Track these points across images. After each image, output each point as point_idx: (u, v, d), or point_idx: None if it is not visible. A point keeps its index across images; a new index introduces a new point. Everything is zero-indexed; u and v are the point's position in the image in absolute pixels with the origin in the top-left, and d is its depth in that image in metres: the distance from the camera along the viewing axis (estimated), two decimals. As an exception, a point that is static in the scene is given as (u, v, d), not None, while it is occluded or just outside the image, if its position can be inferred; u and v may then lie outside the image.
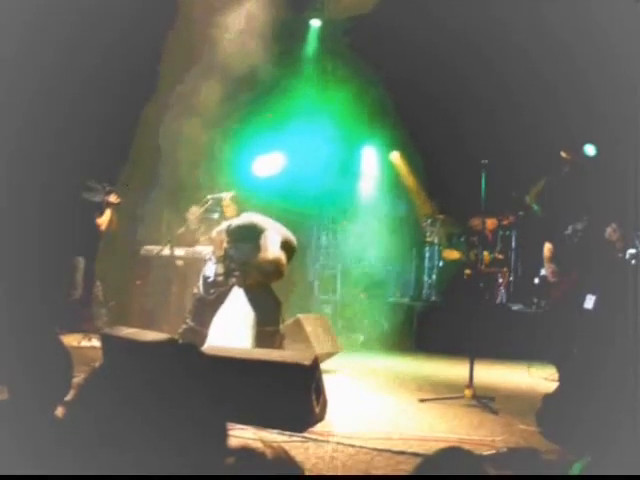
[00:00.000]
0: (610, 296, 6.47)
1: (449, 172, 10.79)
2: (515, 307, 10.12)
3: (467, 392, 5.95)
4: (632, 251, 7.16)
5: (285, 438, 4.43)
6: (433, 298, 10.89)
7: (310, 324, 7.37)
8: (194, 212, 8.81)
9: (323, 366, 5.63)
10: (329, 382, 5.43)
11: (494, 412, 5.58)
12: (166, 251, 8.18)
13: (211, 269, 6.95)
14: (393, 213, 12.33)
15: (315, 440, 4.45)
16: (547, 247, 7.41)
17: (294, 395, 4.68)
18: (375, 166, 12.64)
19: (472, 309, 8.45)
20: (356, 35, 10.19)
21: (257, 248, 6.54)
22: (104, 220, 8.54)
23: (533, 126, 10.15)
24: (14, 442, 1.84)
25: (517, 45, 9.52)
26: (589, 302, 6.66)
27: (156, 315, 8.33)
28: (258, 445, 1.49)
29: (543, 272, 8.50)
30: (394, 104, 11.06)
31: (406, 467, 3.93)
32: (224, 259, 6.84)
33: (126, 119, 8.71)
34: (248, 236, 6.66)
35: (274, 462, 1.44)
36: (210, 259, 7.06)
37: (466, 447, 1.97)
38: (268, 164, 8.91)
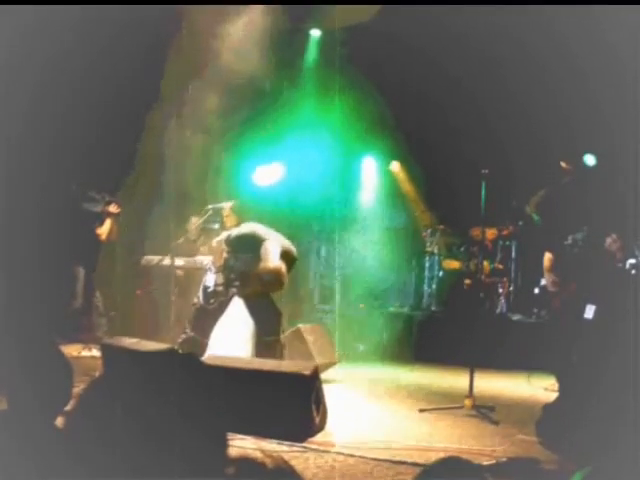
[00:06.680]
0: (610, 306, 6.46)
1: (449, 182, 10.80)
2: (515, 317, 10.09)
3: (467, 402, 5.95)
4: (632, 261, 7.17)
5: (285, 448, 4.43)
6: (433, 308, 10.86)
7: (310, 334, 7.36)
8: (194, 222, 8.81)
9: (323, 376, 5.62)
10: (329, 392, 5.42)
11: (494, 422, 5.58)
12: (166, 261, 8.18)
13: (211, 279, 6.95)
14: (393, 223, 12.34)
15: (315, 450, 4.45)
16: (547, 257, 7.41)
17: (294, 405, 4.67)
18: (375, 176, 12.63)
19: (472, 319, 8.45)
20: (356, 45, 10.21)
21: (257, 258, 6.55)
22: (104, 230, 8.54)
23: (533, 136, 10.16)
24: (14, 452, 1.84)
25: (517, 55, 9.55)
26: (589, 312, 6.65)
27: (156, 325, 8.31)
28: (258, 455, 1.49)
29: (543, 282, 8.49)
30: (393, 114, 11.07)
31: (406, 477, 3.92)
32: (224, 269, 6.84)
33: (128, 128, 8.73)
34: (248, 246, 6.67)
35: (274, 472, 1.45)
36: (210, 269, 7.06)
37: (465, 457, 1.97)
38: (268, 174, 8.91)
